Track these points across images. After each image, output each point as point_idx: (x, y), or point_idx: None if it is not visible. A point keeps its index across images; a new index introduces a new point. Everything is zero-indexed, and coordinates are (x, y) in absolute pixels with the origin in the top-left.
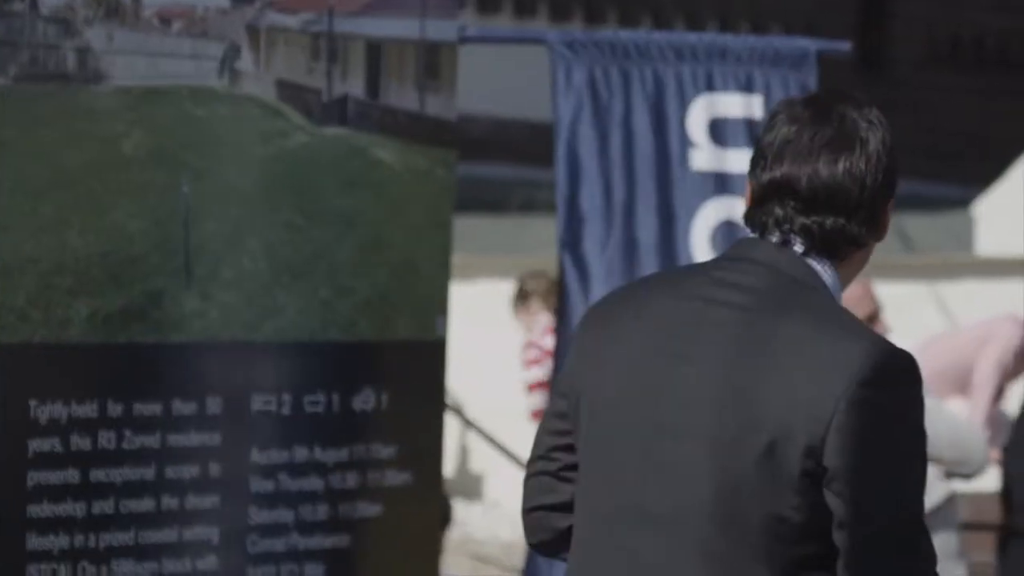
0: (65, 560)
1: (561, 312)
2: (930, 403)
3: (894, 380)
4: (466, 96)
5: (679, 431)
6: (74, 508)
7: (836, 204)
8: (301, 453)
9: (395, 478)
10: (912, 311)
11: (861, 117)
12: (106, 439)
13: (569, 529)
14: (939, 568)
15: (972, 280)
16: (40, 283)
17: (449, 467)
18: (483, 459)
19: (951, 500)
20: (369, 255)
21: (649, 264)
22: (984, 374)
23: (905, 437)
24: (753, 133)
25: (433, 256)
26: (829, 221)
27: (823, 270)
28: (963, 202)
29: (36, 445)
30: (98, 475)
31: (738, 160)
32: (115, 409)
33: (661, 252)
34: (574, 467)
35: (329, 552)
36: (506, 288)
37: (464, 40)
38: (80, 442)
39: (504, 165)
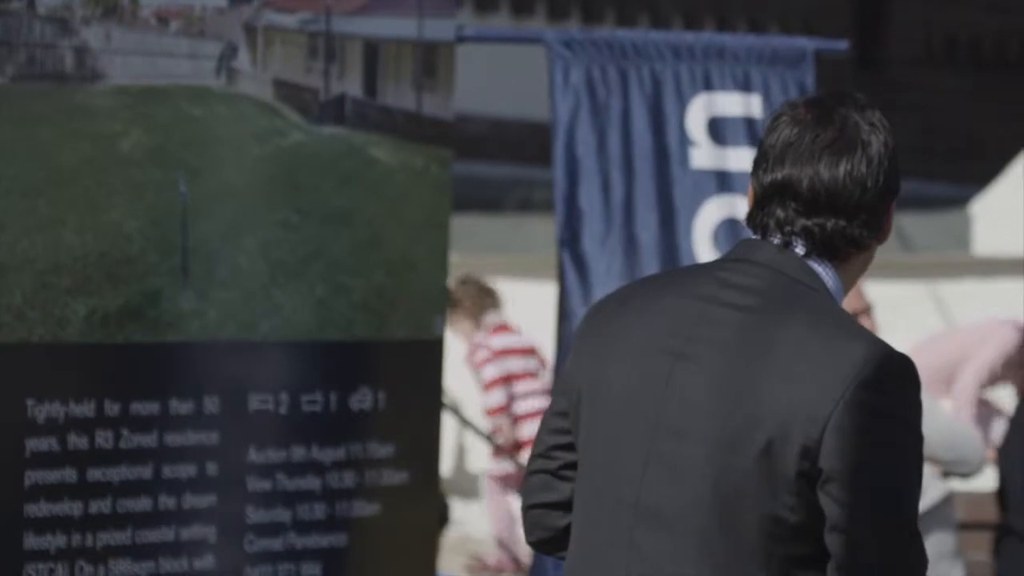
0: (62, 559)
1: (560, 311)
2: (927, 402)
3: (892, 383)
4: (463, 95)
5: (679, 430)
6: (71, 507)
7: (837, 206)
8: (298, 452)
9: (392, 477)
10: (909, 310)
11: (863, 120)
12: (103, 438)
13: (568, 528)
14: (936, 567)
15: (970, 279)
16: (37, 282)
17: (446, 466)
18: (480, 458)
19: (947, 499)
20: (366, 254)
21: (649, 263)
22: (966, 378)
23: (901, 441)
24: (752, 132)
25: (430, 255)
26: (830, 223)
27: (824, 272)
28: (960, 201)
29: (33, 444)
30: (95, 474)
31: (738, 158)
32: (112, 408)
33: (661, 251)
34: (573, 466)
35: (326, 551)
36: (504, 287)
37: (461, 39)
38: (77, 441)
39: (501, 164)
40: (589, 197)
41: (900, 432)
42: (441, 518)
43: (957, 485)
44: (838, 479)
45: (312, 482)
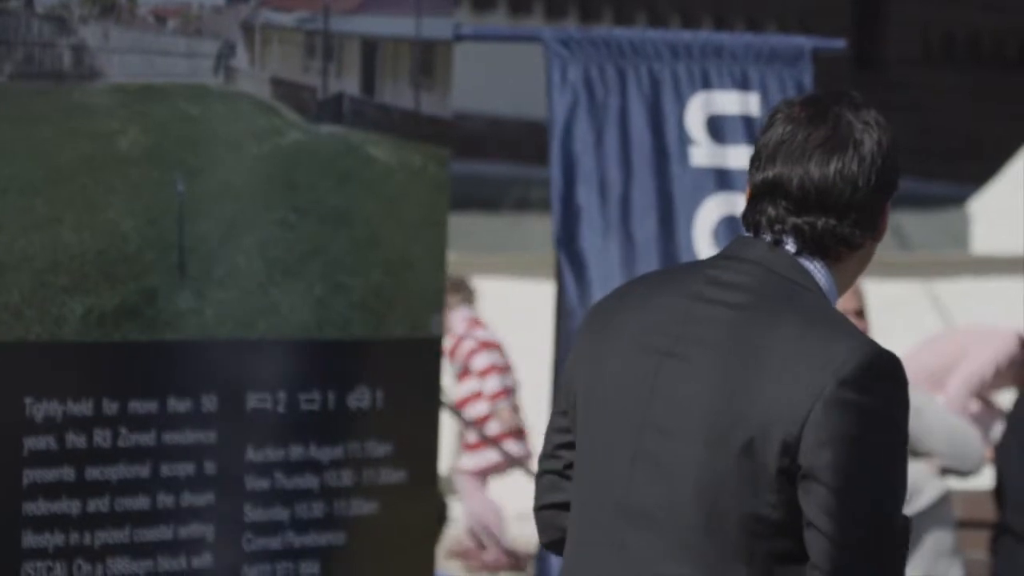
0: (60, 558)
1: (558, 310)
2: (926, 400)
3: (875, 382)
4: (461, 94)
5: (666, 428)
6: (69, 506)
7: (828, 205)
8: (296, 451)
9: (390, 476)
10: (907, 309)
11: (857, 119)
12: (101, 437)
13: None
14: (934, 566)
15: (967, 278)
16: (35, 281)
17: (444, 465)
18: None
19: (945, 498)
20: (364, 253)
21: (648, 261)
22: (954, 387)
23: (882, 439)
24: (750, 130)
25: (428, 254)
26: (820, 222)
27: (816, 270)
28: (958, 200)
29: (31, 443)
30: (93, 473)
31: (737, 156)
32: (110, 407)
33: (660, 249)
34: None
35: (324, 550)
36: (502, 286)
37: (459, 38)
38: (75, 440)
39: (499, 163)
40: (586, 196)
41: (881, 430)
42: (439, 517)
43: (955, 484)
44: (815, 476)
45: (310, 481)
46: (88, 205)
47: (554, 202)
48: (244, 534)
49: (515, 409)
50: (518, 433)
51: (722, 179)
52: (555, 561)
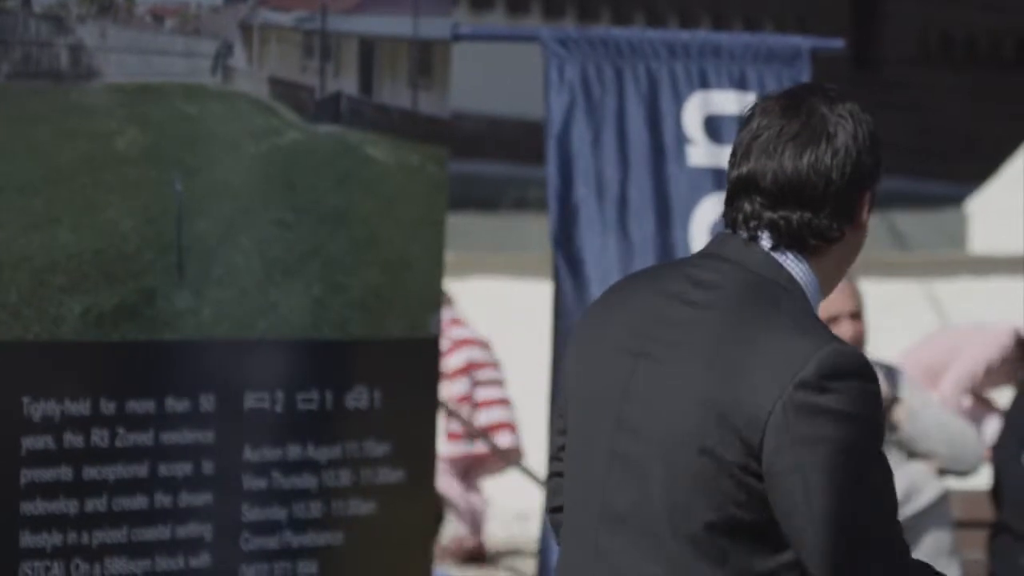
0: (58, 558)
1: (556, 310)
2: (923, 401)
3: (834, 381)
4: (459, 94)
5: (638, 430)
6: (67, 506)
7: (802, 198)
8: (294, 451)
9: (388, 476)
10: (905, 309)
11: (831, 111)
12: (99, 437)
13: None
14: (933, 566)
15: (965, 278)
16: (33, 280)
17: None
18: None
19: (944, 498)
20: (362, 252)
21: (645, 260)
22: (947, 386)
23: (846, 439)
24: None
25: (426, 254)
26: (796, 216)
27: (793, 265)
28: (956, 200)
29: (29, 443)
30: (91, 473)
31: None
32: (108, 407)
33: (658, 248)
34: None
35: (322, 550)
36: (499, 286)
37: (457, 38)
38: (73, 440)
39: (497, 163)
40: (584, 196)
41: (844, 429)
42: (436, 517)
43: (953, 483)
44: (781, 479)
45: (308, 480)
46: (86, 205)
47: (551, 202)
48: (242, 534)
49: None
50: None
51: (720, 179)
52: (556, 561)
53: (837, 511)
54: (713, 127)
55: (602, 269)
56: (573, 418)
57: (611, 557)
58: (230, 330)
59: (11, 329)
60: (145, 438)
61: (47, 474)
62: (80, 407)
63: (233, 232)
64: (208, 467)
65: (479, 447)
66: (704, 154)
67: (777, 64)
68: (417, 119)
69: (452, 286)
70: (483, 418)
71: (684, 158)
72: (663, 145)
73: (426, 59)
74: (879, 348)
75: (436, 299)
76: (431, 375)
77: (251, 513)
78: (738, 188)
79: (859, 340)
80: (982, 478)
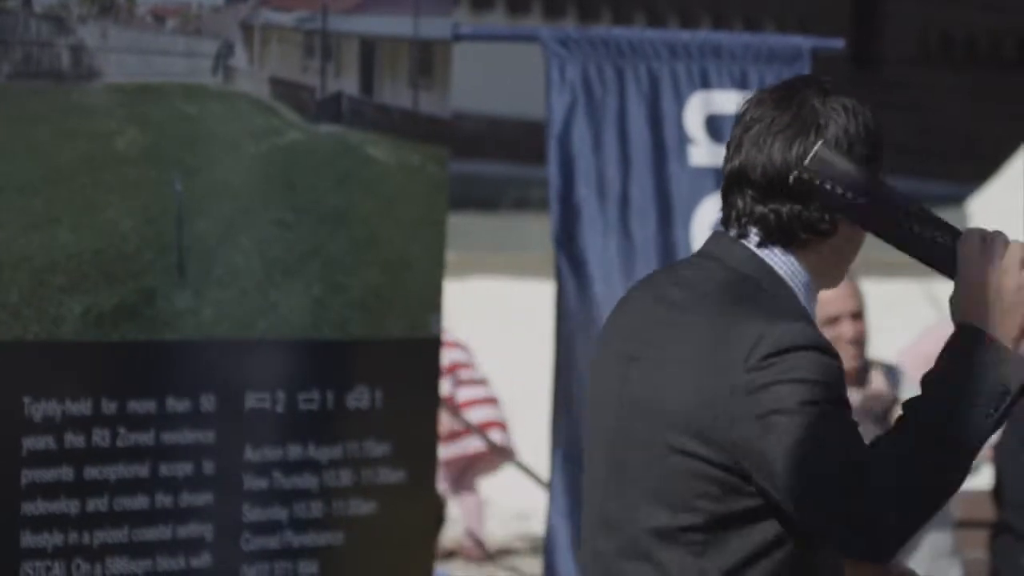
0: (59, 558)
1: (558, 311)
2: None
3: (786, 354)
4: (459, 94)
5: (627, 434)
6: (68, 506)
7: (792, 191)
8: (295, 451)
9: (389, 476)
10: (905, 308)
11: (824, 103)
12: (100, 437)
13: None
14: (934, 566)
15: None
16: (33, 280)
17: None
18: None
19: None
20: (362, 252)
21: (647, 260)
22: None
23: (803, 400)
24: None
25: (427, 253)
26: (785, 209)
27: (779, 260)
28: (957, 200)
29: (30, 443)
30: (92, 473)
31: None
32: (109, 407)
33: (659, 248)
34: None
35: (323, 550)
36: (500, 286)
37: (458, 38)
38: (74, 440)
39: (498, 163)
40: (585, 196)
41: (800, 392)
42: (437, 518)
43: None
44: (753, 454)
45: (309, 480)
46: (86, 205)
47: (552, 202)
48: (243, 534)
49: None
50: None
51: (721, 179)
52: (562, 559)
53: (808, 467)
54: (714, 127)
55: (604, 269)
56: (587, 424)
57: (605, 559)
58: (230, 330)
59: (11, 329)
60: (146, 438)
61: (48, 474)
62: (81, 407)
63: (233, 232)
64: (209, 467)
65: (471, 447)
66: (705, 154)
67: (778, 64)
68: (418, 119)
69: (452, 286)
70: (472, 418)
71: (685, 158)
72: (664, 145)
73: (427, 59)
74: (880, 348)
75: (436, 299)
76: (432, 375)
77: (252, 513)
78: (731, 182)
79: (860, 340)
80: (983, 477)
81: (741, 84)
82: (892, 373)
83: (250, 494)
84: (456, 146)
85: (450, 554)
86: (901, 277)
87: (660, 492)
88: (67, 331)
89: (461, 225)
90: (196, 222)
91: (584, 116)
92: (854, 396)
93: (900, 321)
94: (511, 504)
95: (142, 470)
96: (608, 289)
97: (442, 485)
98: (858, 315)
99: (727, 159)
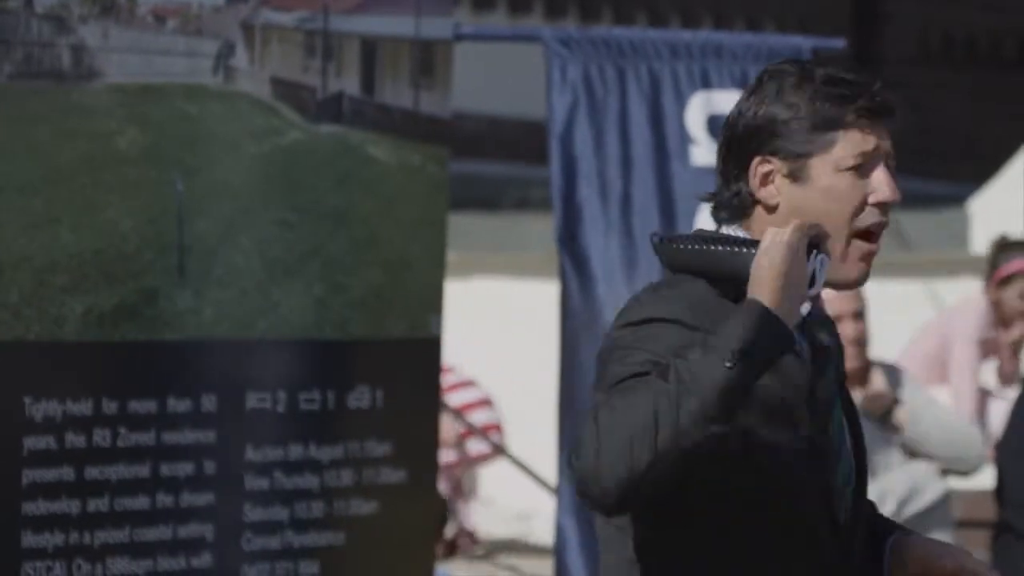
0: (60, 558)
1: (562, 311)
2: (925, 403)
3: (619, 319)
4: (460, 93)
5: None
6: (69, 506)
7: (739, 166)
8: (296, 451)
9: (390, 476)
10: (907, 309)
11: (784, 84)
12: (101, 437)
13: None
14: None
15: (968, 277)
16: (34, 280)
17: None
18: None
19: (945, 499)
20: (363, 252)
21: (649, 259)
22: (959, 358)
23: (607, 344)
24: None
25: (427, 253)
26: (733, 185)
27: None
28: (958, 200)
29: (31, 443)
30: (93, 473)
31: None
32: (110, 407)
33: None
34: None
35: (324, 550)
36: (500, 286)
37: (459, 38)
38: (75, 440)
39: (498, 163)
40: (587, 196)
41: (611, 336)
42: (439, 517)
43: (956, 483)
44: None
45: (310, 480)
46: (87, 205)
47: (555, 202)
48: (244, 534)
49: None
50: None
51: None
52: (572, 558)
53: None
54: (716, 127)
55: (606, 269)
56: None
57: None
58: (231, 330)
59: (12, 329)
60: (147, 438)
61: (49, 474)
62: (82, 407)
63: (234, 232)
64: (210, 467)
65: (473, 450)
66: (707, 154)
67: None
68: (418, 119)
69: (453, 286)
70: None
71: (687, 158)
72: (666, 145)
73: (428, 59)
74: (882, 348)
75: (437, 299)
76: (432, 375)
77: (253, 513)
78: (717, 174)
79: (862, 340)
80: (985, 478)
81: (742, 84)
82: (893, 373)
83: (251, 494)
84: (457, 146)
85: (451, 553)
86: (902, 277)
87: None
88: (68, 331)
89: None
90: (197, 222)
91: (586, 116)
92: (855, 396)
93: (902, 321)
94: (512, 504)
95: (143, 470)
96: (611, 289)
97: (442, 485)
98: (859, 315)
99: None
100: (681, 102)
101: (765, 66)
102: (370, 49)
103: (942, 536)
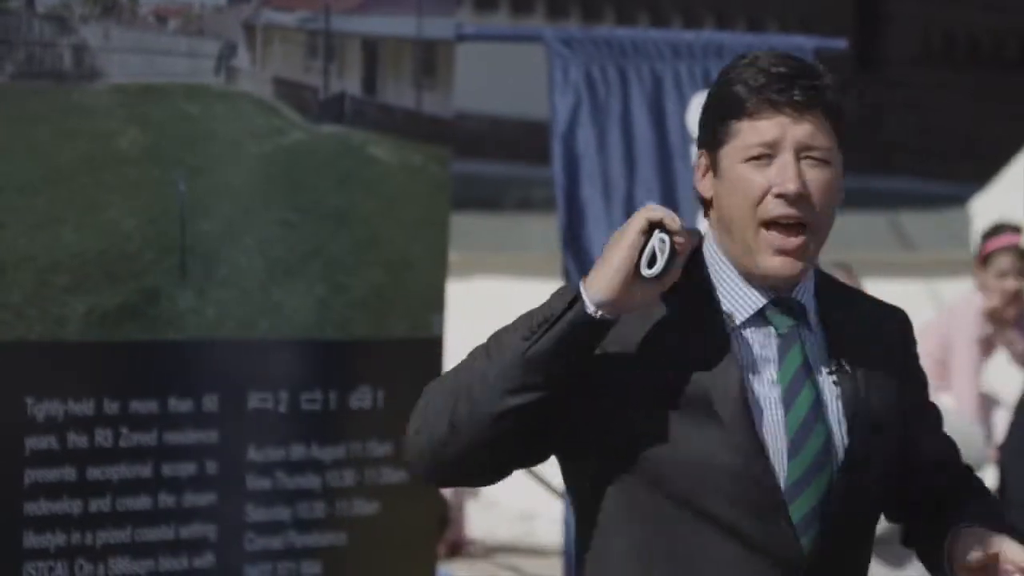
0: (62, 558)
1: None
2: None
3: None
4: (462, 94)
5: None
6: (71, 506)
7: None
8: (298, 451)
9: (392, 476)
10: (909, 309)
11: (724, 72)
12: (103, 437)
13: None
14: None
15: (968, 278)
16: (36, 280)
17: None
18: None
19: None
20: (365, 253)
21: None
22: (960, 356)
23: None
24: None
25: (429, 253)
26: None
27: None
28: (959, 200)
29: (33, 443)
30: (95, 473)
31: None
32: (112, 407)
33: None
34: None
35: (326, 550)
36: (502, 286)
37: (461, 38)
38: (77, 440)
39: (500, 163)
40: (591, 196)
41: None
42: (440, 518)
43: None
44: None
45: (312, 480)
46: (89, 205)
47: (559, 202)
48: (246, 534)
49: None
50: None
51: None
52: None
53: None
54: None
55: None
56: None
57: None
58: (233, 330)
59: (14, 329)
60: (149, 438)
61: (51, 474)
62: (84, 407)
63: (236, 232)
64: (212, 467)
65: None
66: None
67: None
68: (420, 119)
69: (454, 286)
70: None
71: (689, 157)
72: (668, 145)
73: (430, 59)
74: None
75: (439, 299)
76: (434, 375)
77: (255, 513)
78: None
79: None
80: (987, 478)
81: None
82: None
83: (253, 494)
84: (458, 146)
85: (453, 553)
86: (903, 277)
87: None
88: (70, 331)
89: (463, 225)
90: (199, 222)
91: (588, 116)
92: None
93: None
94: (515, 505)
95: (145, 470)
96: None
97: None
98: None
99: None
100: (683, 102)
101: None
102: (372, 49)
103: None
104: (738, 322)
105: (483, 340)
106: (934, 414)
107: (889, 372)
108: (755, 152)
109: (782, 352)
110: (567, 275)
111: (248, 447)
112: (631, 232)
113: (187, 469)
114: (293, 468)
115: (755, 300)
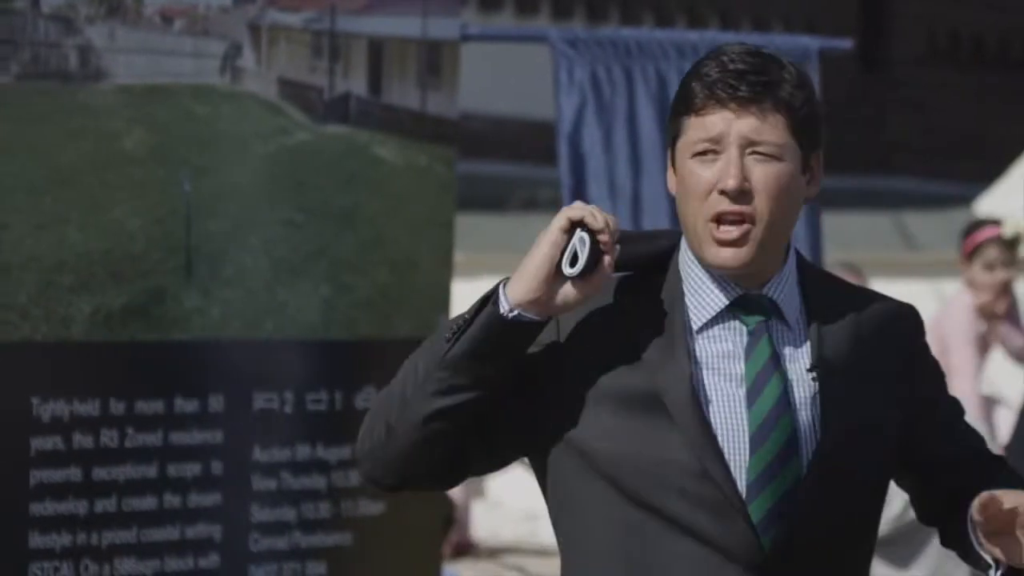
0: (67, 558)
1: None
2: None
3: None
4: (467, 94)
5: None
6: (76, 506)
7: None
8: (303, 451)
9: None
10: None
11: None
12: (108, 437)
13: None
14: (940, 568)
15: None
16: (42, 281)
17: None
18: None
19: None
20: (370, 253)
21: None
22: (958, 356)
23: None
24: None
25: (434, 254)
26: None
27: None
28: (964, 200)
29: (38, 443)
30: (100, 473)
31: None
32: (117, 407)
33: None
34: None
35: (331, 550)
36: None
37: (466, 38)
38: (82, 440)
39: (505, 163)
40: (597, 196)
41: None
42: (446, 518)
43: None
44: None
45: (317, 481)
46: (94, 205)
47: (565, 201)
48: (251, 534)
49: None
50: None
51: None
52: None
53: None
54: None
55: None
56: None
57: None
58: (239, 330)
59: (20, 329)
60: (154, 438)
61: (56, 475)
62: (89, 407)
63: (241, 232)
64: (217, 467)
65: None
66: None
67: None
68: (425, 119)
69: (460, 286)
70: None
71: None
72: None
73: (435, 60)
74: None
75: (444, 299)
76: None
77: (260, 513)
78: None
79: None
80: None
81: None
82: None
83: (258, 494)
84: (464, 146)
85: (458, 554)
86: (908, 277)
87: None
88: (76, 331)
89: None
90: (204, 222)
91: (594, 116)
92: None
93: None
94: (519, 505)
95: (150, 470)
96: None
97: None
98: None
99: None
100: None
101: None
102: (377, 49)
103: None
104: (703, 320)
105: None
106: (951, 410)
107: (888, 371)
108: (701, 147)
109: (749, 348)
110: None
111: (253, 447)
112: (552, 231)
113: (192, 469)
114: (298, 468)
115: (719, 299)
